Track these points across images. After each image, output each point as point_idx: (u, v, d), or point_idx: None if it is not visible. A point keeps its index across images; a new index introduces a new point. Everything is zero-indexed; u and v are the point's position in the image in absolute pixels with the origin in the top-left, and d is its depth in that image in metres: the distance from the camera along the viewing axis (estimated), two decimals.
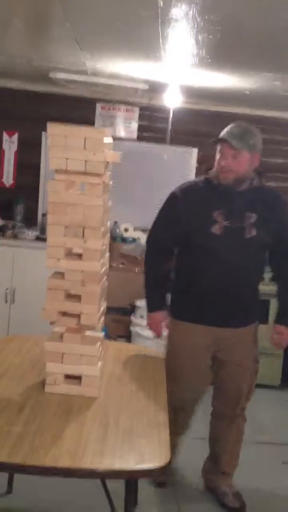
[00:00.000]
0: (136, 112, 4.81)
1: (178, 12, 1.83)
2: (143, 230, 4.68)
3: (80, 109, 4.78)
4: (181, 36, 2.20)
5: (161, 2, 1.71)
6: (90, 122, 4.72)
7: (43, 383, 2.04)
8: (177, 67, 2.94)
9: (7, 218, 4.62)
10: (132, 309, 4.34)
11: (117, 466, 1.63)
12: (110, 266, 4.36)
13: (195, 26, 2.02)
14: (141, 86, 3.75)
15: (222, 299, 2.53)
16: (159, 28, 2.05)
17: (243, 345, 2.65)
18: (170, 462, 1.69)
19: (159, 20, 1.94)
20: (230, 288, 2.52)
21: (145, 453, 1.71)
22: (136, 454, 1.70)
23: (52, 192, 1.96)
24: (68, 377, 2.04)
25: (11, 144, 4.88)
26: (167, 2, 1.71)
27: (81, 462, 1.60)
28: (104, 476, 1.86)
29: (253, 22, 1.94)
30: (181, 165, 4.97)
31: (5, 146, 4.86)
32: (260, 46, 2.30)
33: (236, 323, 2.62)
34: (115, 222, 4.65)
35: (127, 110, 4.80)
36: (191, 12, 1.83)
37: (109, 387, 2.13)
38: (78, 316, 2.03)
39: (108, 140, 2.02)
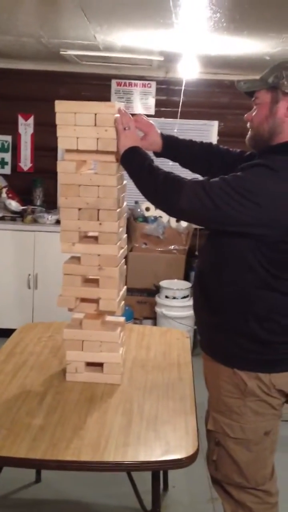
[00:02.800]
0: (153, 86, 4.67)
1: None
2: None
3: (95, 86, 4.66)
4: None
5: None
6: (106, 99, 4.59)
7: (64, 372, 1.98)
8: (191, 34, 2.79)
9: (28, 203, 4.56)
10: (156, 290, 4.26)
11: (142, 458, 1.56)
12: (133, 247, 4.30)
13: None
14: (156, 57, 3.60)
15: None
16: None
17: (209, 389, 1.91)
18: (197, 451, 1.61)
19: None
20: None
21: (171, 442, 1.64)
22: (161, 443, 1.63)
23: (63, 174, 1.87)
24: (89, 364, 1.98)
25: (27, 127, 4.79)
26: None
27: (103, 455, 1.53)
28: (128, 469, 1.79)
29: None
30: (202, 139, 4.81)
31: (21, 129, 4.78)
32: (278, 4, 2.14)
33: (202, 342, 1.95)
34: (136, 202, 4.54)
35: (143, 85, 4.66)
36: None
37: (133, 373, 2.06)
38: (96, 301, 1.95)
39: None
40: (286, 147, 1.70)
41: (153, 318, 4.30)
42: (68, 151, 1.87)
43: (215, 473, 1.90)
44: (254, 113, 1.76)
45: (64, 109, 1.83)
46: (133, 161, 1.81)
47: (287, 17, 2.39)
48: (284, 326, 1.75)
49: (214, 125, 4.77)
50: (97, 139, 1.82)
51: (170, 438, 1.65)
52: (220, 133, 4.78)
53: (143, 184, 1.78)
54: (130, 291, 3.93)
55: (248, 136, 1.81)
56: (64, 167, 1.87)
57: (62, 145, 1.85)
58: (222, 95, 4.71)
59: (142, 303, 4.34)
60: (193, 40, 2.97)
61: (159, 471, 1.81)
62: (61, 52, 3.57)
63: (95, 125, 1.81)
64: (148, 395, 1.90)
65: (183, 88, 4.04)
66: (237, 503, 1.85)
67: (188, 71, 3.75)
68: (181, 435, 1.67)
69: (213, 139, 4.78)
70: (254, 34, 2.73)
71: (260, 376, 1.76)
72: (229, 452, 1.82)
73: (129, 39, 3.06)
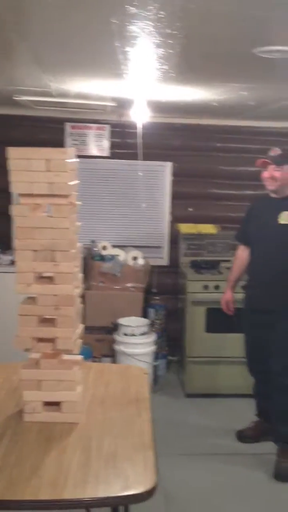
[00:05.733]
0: (107, 129, 4.81)
1: (135, 28, 1.82)
2: (121, 247, 4.65)
3: (49, 129, 4.75)
4: (141, 52, 2.19)
5: (116, 19, 1.70)
6: (60, 142, 4.69)
7: (22, 413, 1.99)
8: (141, 83, 2.94)
9: None
10: (114, 328, 4.29)
11: (101, 494, 1.58)
12: (90, 285, 4.34)
13: (154, 41, 2.01)
14: (109, 103, 3.74)
15: None
16: (118, 44, 2.03)
17: None
18: (156, 486, 1.65)
19: (117, 36, 1.93)
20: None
21: (130, 477, 1.67)
22: (121, 479, 1.65)
23: (18, 217, 1.93)
24: (47, 404, 1.99)
25: None
26: (121, 18, 1.70)
27: (62, 493, 1.55)
28: (87, 506, 1.80)
29: (212, 34, 1.94)
30: (156, 180, 4.97)
31: None
32: (222, 57, 2.30)
33: None
34: (93, 241, 4.61)
35: (97, 128, 4.80)
36: (147, 28, 1.82)
37: (91, 411, 2.08)
38: (53, 340, 1.98)
39: (72, 160, 1.99)
40: None
41: (112, 356, 4.31)
42: (23, 195, 1.94)
43: None
44: None
45: (17, 156, 1.91)
46: None
47: (230, 71, 2.56)
48: None
49: (168, 166, 4.94)
50: (50, 183, 1.90)
51: (129, 474, 1.68)
52: (173, 174, 4.95)
53: None
54: (88, 329, 3.95)
55: None
56: (19, 211, 1.93)
57: (16, 189, 1.92)
58: (175, 137, 4.90)
59: (100, 341, 4.36)
60: (143, 89, 3.12)
61: (118, 507, 1.83)
62: (14, 98, 3.66)
63: (48, 170, 1.89)
64: (107, 432, 1.93)
65: (140, 131, 4.19)
66: None
67: (140, 116, 3.91)
68: (139, 471, 1.70)
69: (167, 179, 4.94)
70: (201, 84, 2.89)
71: None
72: None
73: (82, 87, 3.18)
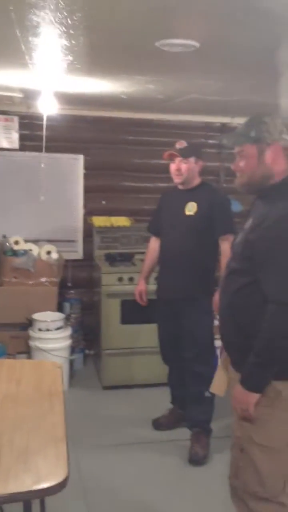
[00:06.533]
0: (16, 121, 4.69)
1: (35, 17, 1.80)
2: (34, 241, 4.58)
3: None
4: (44, 42, 2.17)
5: (13, 7, 1.67)
6: None
7: None
8: (47, 73, 2.90)
9: None
10: (29, 324, 4.22)
11: (11, 489, 1.55)
12: (2, 281, 4.24)
13: (56, 31, 1.99)
14: (16, 94, 3.66)
15: None
16: (19, 33, 2.00)
17: None
18: (67, 477, 1.65)
19: (17, 25, 1.89)
20: None
21: (42, 470, 1.65)
22: (32, 473, 1.63)
23: None
24: None
25: None
26: (19, 7, 1.67)
27: None
28: None
29: (114, 26, 1.95)
30: (68, 173, 4.92)
31: None
32: (125, 50, 2.32)
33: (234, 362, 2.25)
34: (4, 236, 4.50)
35: (5, 120, 4.67)
36: (48, 17, 1.80)
37: (2, 408, 2.04)
38: None
39: None
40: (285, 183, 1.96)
41: (28, 352, 4.24)
42: None
43: (235, 481, 1.95)
44: (241, 163, 1.95)
45: None
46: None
47: (133, 64, 2.59)
48: None
49: (80, 159, 4.91)
50: None
51: (40, 467, 1.66)
52: (86, 167, 4.92)
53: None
54: (2, 326, 3.87)
55: (239, 182, 2.01)
56: None
57: None
58: (87, 130, 4.88)
59: (16, 338, 4.27)
60: (50, 79, 3.08)
61: (30, 502, 1.81)
62: None
63: None
64: (19, 428, 1.90)
65: (44, 123, 4.13)
66: None
67: (49, 107, 3.86)
68: (51, 463, 1.69)
69: (80, 172, 4.91)
70: (107, 76, 2.91)
71: None
72: (252, 458, 1.89)
73: None
